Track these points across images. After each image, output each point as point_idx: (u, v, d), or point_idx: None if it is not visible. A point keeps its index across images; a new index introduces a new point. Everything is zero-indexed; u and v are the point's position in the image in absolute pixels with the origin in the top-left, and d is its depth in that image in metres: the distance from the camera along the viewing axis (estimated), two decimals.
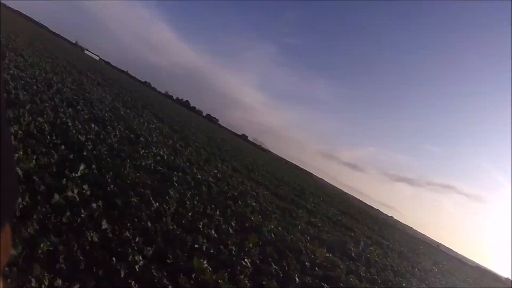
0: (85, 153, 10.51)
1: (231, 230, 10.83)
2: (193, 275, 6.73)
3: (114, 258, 5.58)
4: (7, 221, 0.85)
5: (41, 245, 5.00)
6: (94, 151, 11.30)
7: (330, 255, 14.92)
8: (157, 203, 9.36)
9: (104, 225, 6.49)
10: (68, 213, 6.27)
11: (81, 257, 5.21)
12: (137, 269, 5.74)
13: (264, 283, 8.39)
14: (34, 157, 8.13)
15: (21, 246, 4.79)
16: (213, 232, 9.74)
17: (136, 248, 6.41)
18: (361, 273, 14.52)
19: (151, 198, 9.45)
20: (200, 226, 9.57)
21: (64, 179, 7.65)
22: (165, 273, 6.17)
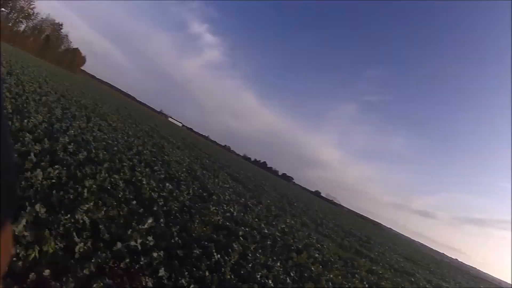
0: (155, 209, 10.80)
1: (288, 280, 10.80)
2: None
3: None
4: (8, 221, 0.88)
5: (94, 286, 5.37)
6: (165, 207, 11.65)
7: None
8: (219, 255, 9.50)
9: (161, 272, 6.78)
10: (127, 260, 6.59)
11: None
12: None
13: None
14: (104, 208, 8.53)
15: (73, 284, 5.22)
16: (269, 282, 9.86)
17: None
18: None
19: (214, 251, 9.58)
20: (258, 277, 9.70)
21: (130, 230, 7.95)
22: None
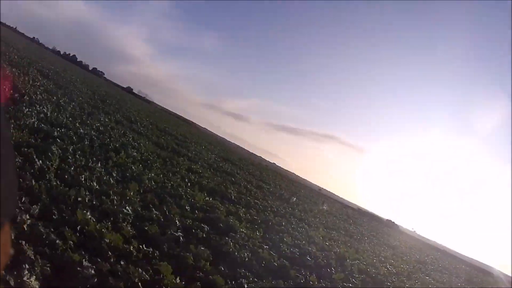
0: None
1: (112, 181, 11.03)
2: (78, 227, 7.04)
3: None
4: (7, 221, 0.89)
5: None
6: None
7: (210, 199, 15.56)
8: (40, 161, 9.34)
9: None
10: None
11: None
12: (26, 229, 5.94)
13: (146, 228, 8.81)
14: None
15: None
16: (95, 184, 9.94)
17: (23, 208, 6.52)
18: (241, 214, 15.24)
19: (35, 157, 9.39)
20: (83, 179, 9.72)
21: None
22: (52, 229, 6.38)
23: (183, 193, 13.95)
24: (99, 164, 12.23)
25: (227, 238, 10.83)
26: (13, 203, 0.91)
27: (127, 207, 9.29)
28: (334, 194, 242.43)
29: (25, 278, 4.81)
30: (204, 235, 10.42)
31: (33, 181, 7.84)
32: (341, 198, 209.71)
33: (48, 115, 16.16)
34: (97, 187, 9.88)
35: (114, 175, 12.04)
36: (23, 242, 5.46)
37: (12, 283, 4.70)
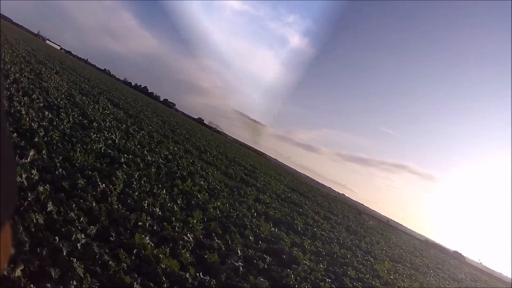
0: (36, 140, 10.56)
1: (176, 208, 11.15)
2: (134, 251, 7.15)
3: (57, 238, 5.92)
4: (7, 221, 0.90)
5: None
6: (46, 137, 11.42)
7: (276, 230, 15.47)
8: (103, 184, 9.60)
9: (50, 207, 6.76)
10: None
11: (25, 238, 5.44)
12: (79, 247, 6.08)
13: (205, 256, 8.85)
14: None
15: None
16: (157, 210, 10.09)
17: (79, 227, 6.64)
18: (306, 246, 14.96)
19: (98, 180, 9.62)
20: (145, 205, 9.88)
21: None
22: (106, 250, 6.50)
23: (248, 223, 13.94)
24: (164, 191, 12.45)
25: (288, 270, 10.62)
26: (13, 203, 0.93)
27: (188, 235, 9.36)
28: (401, 225, 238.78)
29: None
30: (265, 266, 10.31)
31: (93, 203, 8.07)
32: (409, 229, 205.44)
33: (116, 141, 16.78)
34: (159, 213, 10.03)
35: (179, 202, 12.22)
36: (74, 260, 5.59)
37: None
